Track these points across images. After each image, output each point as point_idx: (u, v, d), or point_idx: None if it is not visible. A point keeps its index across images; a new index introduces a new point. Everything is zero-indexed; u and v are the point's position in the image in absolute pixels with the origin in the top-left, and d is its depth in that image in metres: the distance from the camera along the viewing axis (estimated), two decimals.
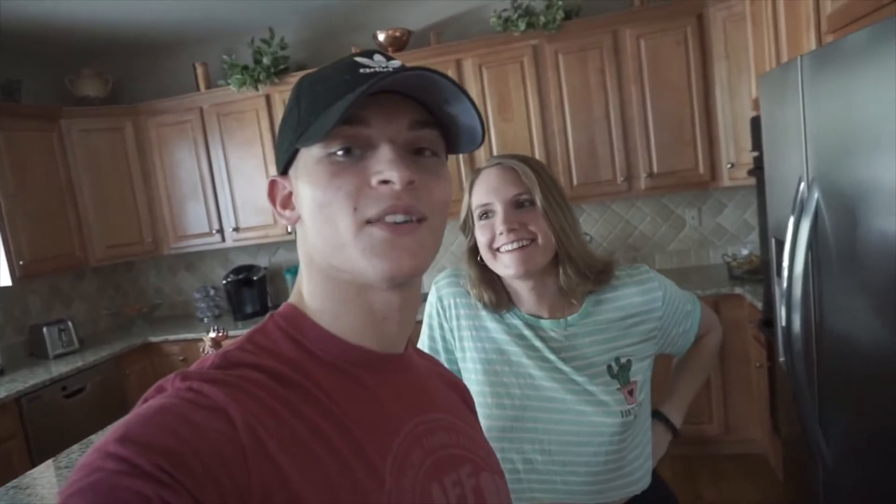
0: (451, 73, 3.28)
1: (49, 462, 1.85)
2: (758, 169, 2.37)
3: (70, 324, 3.49)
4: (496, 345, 1.14)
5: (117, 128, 3.74)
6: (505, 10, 3.22)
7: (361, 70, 0.57)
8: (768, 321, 2.39)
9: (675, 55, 3.09)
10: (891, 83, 1.20)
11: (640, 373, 1.12)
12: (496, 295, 1.14)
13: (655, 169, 3.19)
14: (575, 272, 1.10)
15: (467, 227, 1.15)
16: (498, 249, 1.08)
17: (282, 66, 3.51)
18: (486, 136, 3.28)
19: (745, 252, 3.28)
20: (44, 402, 2.94)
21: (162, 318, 4.21)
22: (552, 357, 1.10)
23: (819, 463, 1.71)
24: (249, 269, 3.86)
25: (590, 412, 1.07)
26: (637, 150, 3.20)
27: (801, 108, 1.64)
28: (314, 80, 0.60)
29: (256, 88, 3.53)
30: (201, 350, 2.43)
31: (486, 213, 1.10)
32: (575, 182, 3.26)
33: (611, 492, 1.10)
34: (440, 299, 1.20)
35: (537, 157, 2.96)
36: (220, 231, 3.80)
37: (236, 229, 3.76)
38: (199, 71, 3.72)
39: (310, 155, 0.57)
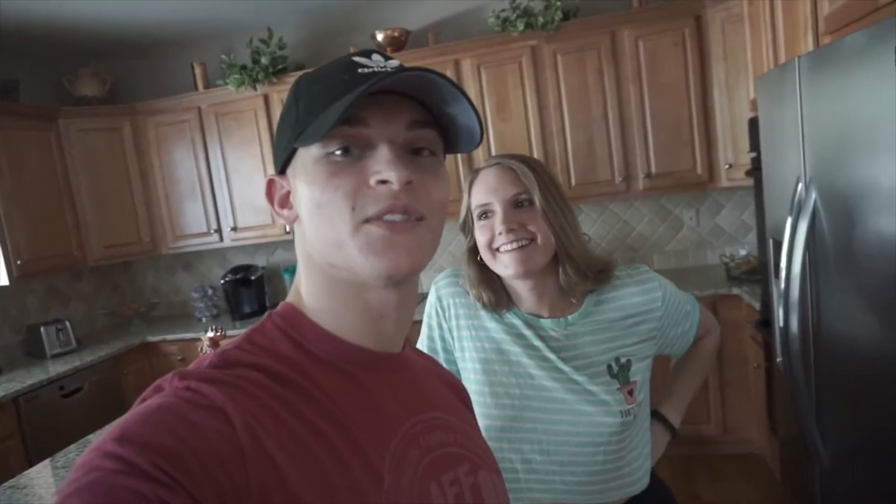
0: (449, 73, 3.29)
1: (46, 462, 1.84)
2: (756, 170, 2.38)
3: (67, 323, 3.49)
4: (495, 344, 1.14)
5: (115, 128, 3.73)
6: (503, 10, 3.22)
7: (360, 70, 0.57)
8: (766, 321, 2.40)
9: (674, 56, 3.09)
10: (888, 84, 1.21)
11: (640, 373, 1.12)
12: (495, 295, 1.14)
13: (653, 169, 3.20)
14: (575, 272, 1.10)
15: (467, 227, 1.15)
16: (497, 249, 1.08)
17: (280, 66, 3.51)
18: (485, 136, 3.29)
19: (742, 252, 3.29)
20: (41, 402, 2.93)
21: (160, 318, 4.20)
22: (552, 356, 1.10)
23: (816, 463, 1.71)
24: (247, 268, 3.85)
25: (590, 412, 1.07)
26: (635, 151, 3.20)
27: (799, 109, 1.64)
28: (312, 79, 0.60)
29: (255, 88, 3.53)
30: (199, 349, 2.43)
31: (486, 213, 1.10)
32: (573, 182, 3.26)
33: (610, 492, 1.10)
34: (439, 299, 1.20)
35: (535, 157, 2.96)
36: (219, 231, 3.79)
37: (234, 229, 3.76)
38: (198, 71, 3.72)
39: (308, 154, 0.57)
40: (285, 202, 0.62)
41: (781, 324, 1.74)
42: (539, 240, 1.07)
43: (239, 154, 3.67)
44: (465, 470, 0.63)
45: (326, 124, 0.52)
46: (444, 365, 1.17)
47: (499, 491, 0.67)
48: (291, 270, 3.97)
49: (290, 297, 0.63)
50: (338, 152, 0.55)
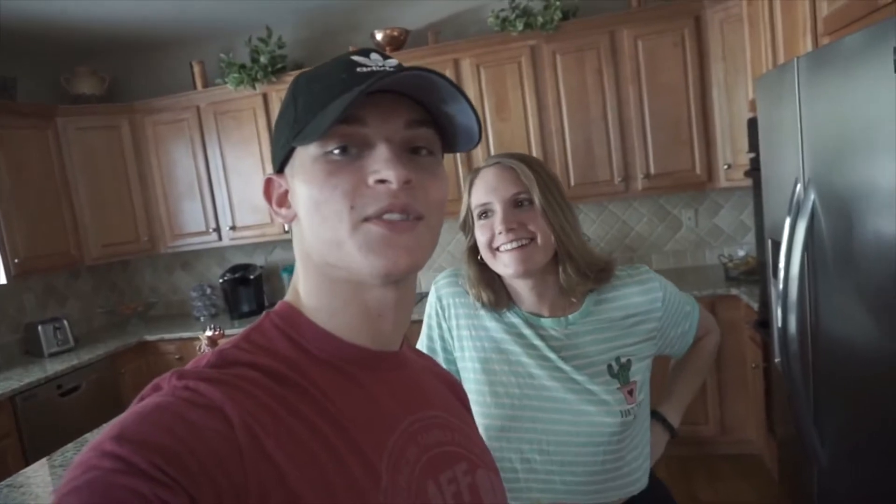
0: (448, 72, 3.29)
1: (43, 461, 1.84)
2: (754, 170, 2.38)
3: (65, 322, 3.48)
4: (495, 344, 1.14)
5: (113, 126, 3.73)
6: (503, 10, 3.22)
7: (358, 69, 0.57)
8: (764, 322, 2.40)
9: (673, 56, 3.09)
10: (887, 85, 1.21)
11: (640, 373, 1.12)
12: (495, 294, 1.14)
13: (652, 170, 3.20)
14: (575, 271, 1.10)
15: (467, 227, 1.15)
16: (497, 249, 1.08)
17: (279, 65, 3.51)
18: (484, 136, 3.30)
19: (741, 253, 3.29)
20: (39, 401, 2.93)
21: (158, 317, 4.20)
22: (552, 356, 1.10)
23: (814, 464, 1.72)
24: (246, 267, 3.85)
25: (590, 412, 1.07)
26: (634, 151, 3.20)
27: (798, 109, 1.64)
28: (310, 78, 0.60)
29: (254, 87, 3.53)
30: (198, 349, 2.43)
31: (486, 213, 1.10)
32: (572, 182, 3.26)
33: (609, 492, 1.10)
34: (439, 299, 1.21)
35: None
36: (217, 230, 3.79)
37: (233, 228, 3.76)
38: (196, 69, 3.71)
39: (306, 153, 0.57)
40: (283, 201, 0.62)
41: (780, 324, 1.74)
42: (539, 239, 1.07)
43: (238, 153, 3.67)
44: (463, 469, 0.63)
45: (325, 123, 0.52)
46: (444, 365, 1.18)
47: (496, 490, 0.67)
48: (290, 269, 3.97)
49: (287, 297, 0.63)
50: (336, 151, 0.55)
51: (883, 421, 1.37)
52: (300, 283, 0.62)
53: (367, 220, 0.55)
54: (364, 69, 0.57)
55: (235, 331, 3.20)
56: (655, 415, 1.25)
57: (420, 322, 1.25)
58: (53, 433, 2.78)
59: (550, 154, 3.26)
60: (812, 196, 1.58)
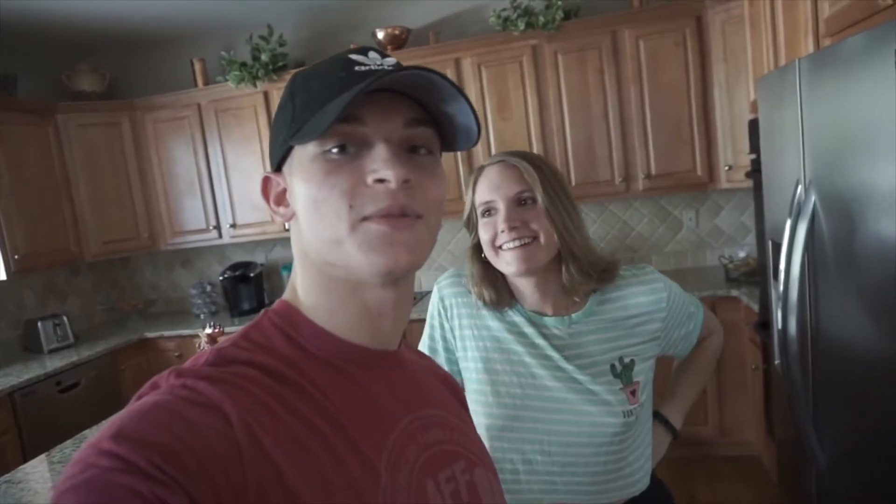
0: (449, 72, 3.29)
1: (42, 457, 1.84)
2: (755, 171, 2.38)
3: (65, 319, 3.48)
4: (497, 343, 1.14)
5: (114, 123, 3.73)
6: (504, 9, 3.22)
7: (356, 68, 0.57)
8: (764, 323, 2.40)
9: (674, 56, 3.09)
10: (888, 87, 1.21)
11: (643, 373, 1.12)
12: (497, 292, 1.14)
13: (653, 170, 3.19)
14: (578, 270, 1.09)
15: (471, 224, 1.15)
16: (500, 247, 1.08)
17: (280, 63, 3.51)
18: (485, 136, 3.30)
19: (741, 254, 3.29)
20: (38, 397, 2.93)
21: (158, 314, 4.20)
22: (554, 355, 1.10)
23: (813, 466, 1.72)
24: (246, 265, 3.85)
25: (592, 412, 1.07)
26: (635, 151, 3.20)
27: (799, 111, 1.64)
28: (308, 76, 0.59)
29: (255, 85, 3.52)
30: (197, 346, 2.43)
31: (489, 211, 1.10)
32: (573, 182, 3.25)
33: (611, 493, 1.09)
34: (442, 299, 1.20)
35: None
36: (217, 227, 3.79)
37: (233, 226, 3.76)
38: (197, 67, 3.71)
39: (304, 152, 0.56)
40: (281, 199, 0.61)
41: (780, 326, 1.74)
42: (541, 238, 1.06)
43: (238, 151, 3.67)
44: (462, 467, 0.63)
45: (324, 122, 0.52)
46: (445, 365, 1.18)
47: (494, 489, 0.67)
48: (290, 267, 3.94)
49: (286, 295, 0.63)
50: (334, 150, 0.55)
51: (882, 423, 1.37)
52: (298, 281, 0.62)
53: (365, 219, 0.54)
54: (362, 68, 0.57)
55: (235, 328, 3.19)
56: (658, 416, 1.24)
57: (419, 321, 1.24)
58: (52, 430, 2.78)
59: (551, 154, 3.26)
60: (813, 198, 1.58)
